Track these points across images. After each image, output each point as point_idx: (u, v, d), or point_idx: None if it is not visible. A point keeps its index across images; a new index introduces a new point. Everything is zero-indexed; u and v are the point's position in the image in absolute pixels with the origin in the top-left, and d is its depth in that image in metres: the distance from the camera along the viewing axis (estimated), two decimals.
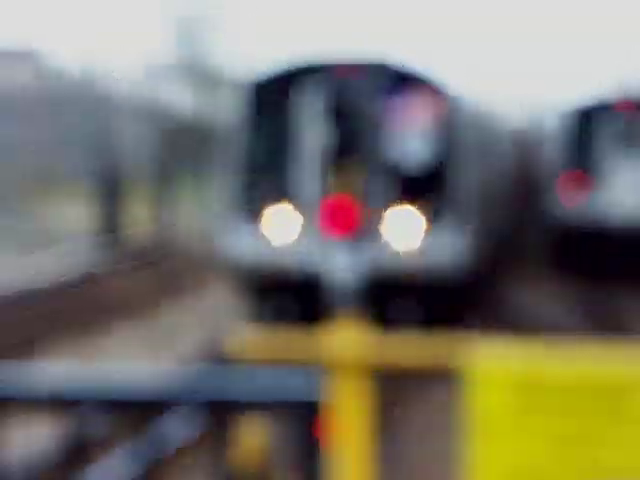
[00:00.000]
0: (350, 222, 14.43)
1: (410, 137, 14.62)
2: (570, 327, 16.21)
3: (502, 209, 21.27)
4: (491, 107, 21.71)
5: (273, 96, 15.00)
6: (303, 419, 2.03)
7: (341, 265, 14.17)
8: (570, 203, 21.71)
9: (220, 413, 2.07)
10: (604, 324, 16.49)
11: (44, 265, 19.67)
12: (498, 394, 2.07)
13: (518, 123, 31.77)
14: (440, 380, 9.90)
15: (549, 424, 2.09)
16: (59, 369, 5.85)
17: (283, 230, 14.67)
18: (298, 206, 14.72)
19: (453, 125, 15.01)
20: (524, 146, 29.36)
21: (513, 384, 2.10)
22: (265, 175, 15.04)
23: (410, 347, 2.83)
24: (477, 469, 2.11)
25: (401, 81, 14.76)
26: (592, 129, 21.95)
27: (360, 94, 14.73)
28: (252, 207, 14.81)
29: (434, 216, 14.47)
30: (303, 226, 14.66)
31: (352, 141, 14.68)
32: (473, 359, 2.22)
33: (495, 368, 2.15)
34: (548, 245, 23.23)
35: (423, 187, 14.66)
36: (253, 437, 2.54)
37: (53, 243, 23.65)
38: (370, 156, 14.64)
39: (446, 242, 14.35)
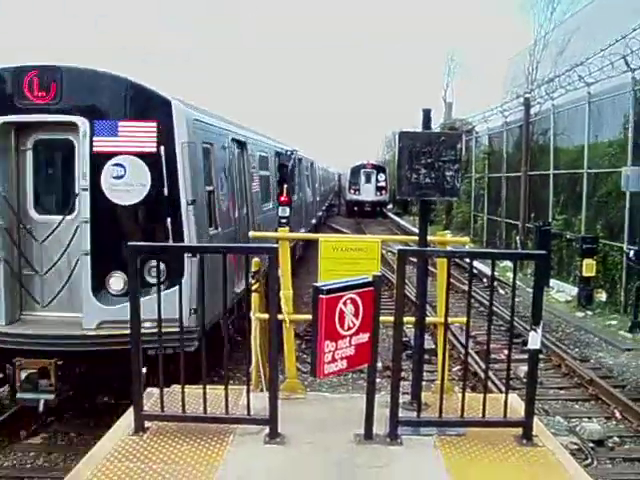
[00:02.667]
0: None
1: None
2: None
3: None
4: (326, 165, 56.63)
5: None
6: (272, 257, 6.99)
7: None
8: (347, 196, 63.76)
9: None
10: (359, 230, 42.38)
11: None
12: None
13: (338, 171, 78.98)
14: None
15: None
16: None
17: None
18: None
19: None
20: (339, 179, 76.96)
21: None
22: None
23: None
24: None
25: None
26: (357, 174, 62.25)
27: None
28: None
29: None
30: None
31: None
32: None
33: None
34: (346, 207, 65.28)
35: None
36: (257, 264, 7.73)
37: None
38: None
39: None
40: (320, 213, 42.43)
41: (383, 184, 61.34)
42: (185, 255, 9.46)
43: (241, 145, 14.65)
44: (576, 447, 9.80)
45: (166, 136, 9.78)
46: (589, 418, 11.34)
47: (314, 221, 34.20)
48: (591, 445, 10.09)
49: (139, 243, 7.10)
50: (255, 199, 15.73)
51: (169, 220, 9.68)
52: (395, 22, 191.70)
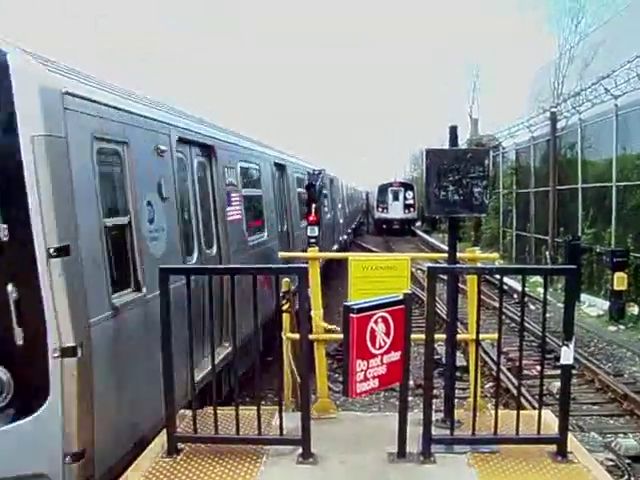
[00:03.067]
0: None
1: None
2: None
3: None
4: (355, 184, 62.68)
5: None
6: (301, 277, 7.00)
7: None
8: (376, 214, 64.81)
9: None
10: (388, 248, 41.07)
11: None
12: None
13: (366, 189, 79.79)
14: None
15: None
16: None
17: None
18: None
19: None
20: (367, 197, 78.11)
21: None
22: None
23: None
24: None
25: None
26: (384, 193, 62.34)
27: None
28: None
29: None
30: None
31: None
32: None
33: None
34: (374, 225, 65.94)
35: None
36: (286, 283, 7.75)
37: None
38: None
39: None
40: (349, 231, 42.44)
41: (411, 202, 61.17)
42: (50, 357, 5.41)
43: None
44: (612, 463, 9.66)
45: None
46: (624, 434, 11.19)
47: (343, 238, 34.22)
48: (627, 461, 9.96)
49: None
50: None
51: (10, 289, 5.43)
52: (419, 38, 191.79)
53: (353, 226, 50.65)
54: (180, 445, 6.15)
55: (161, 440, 6.27)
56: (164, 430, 6.20)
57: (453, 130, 6.72)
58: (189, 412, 6.49)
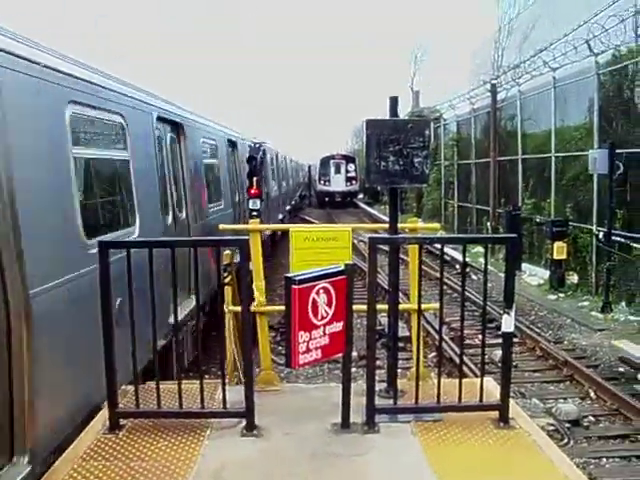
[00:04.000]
0: None
1: None
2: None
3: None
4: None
5: None
6: (242, 249, 6.93)
7: None
8: (318, 187, 64.14)
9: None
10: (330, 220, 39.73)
11: None
12: None
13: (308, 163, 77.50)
14: None
15: None
16: None
17: None
18: None
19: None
20: (309, 170, 74.71)
21: None
22: None
23: None
24: None
25: None
26: (326, 165, 61.62)
27: None
28: None
29: None
30: None
31: None
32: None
33: None
34: (317, 198, 64.86)
35: None
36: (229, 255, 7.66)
37: None
38: None
39: None
40: (292, 204, 42.41)
41: (353, 174, 61.27)
42: None
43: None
44: (553, 428, 9.87)
45: None
46: (564, 399, 11.44)
47: (283, 214, 34.15)
48: (567, 425, 10.18)
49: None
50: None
51: None
52: (360, 17, 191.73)
53: (295, 199, 50.57)
54: (122, 421, 6.07)
55: (103, 417, 6.17)
56: (105, 406, 6.11)
57: (393, 100, 6.68)
58: (131, 387, 6.39)
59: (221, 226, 8.56)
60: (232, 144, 17.64)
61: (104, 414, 6.14)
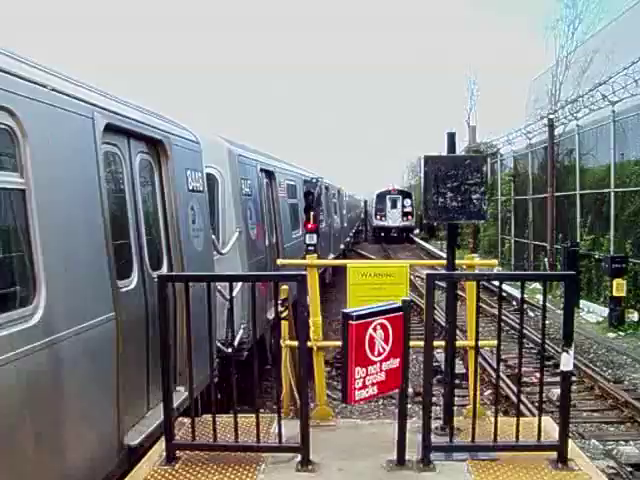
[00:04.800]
0: None
1: None
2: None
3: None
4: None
5: None
6: (300, 284, 6.97)
7: None
8: (374, 222, 63.16)
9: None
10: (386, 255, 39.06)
11: None
12: None
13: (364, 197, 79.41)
14: None
15: None
16: None
17: None
18: None
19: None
20: (365, 205, 75.75)
21: None
22: None
23: None
24: None
25: None
26: (382, 200, 61.84)
27: None
28: None
29: None
30: None
31: None
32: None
33: None
34: (373, 233, 64.04)
35: None
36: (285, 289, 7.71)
37: None
38: None
39: None
40: (347, 240, 42.53)
41: (409, 209, 61.17)
42: None
43: (269, 174, 14.67)
44: (613, 471, 9.63)
45: None
46: (625, 441, 11.14)
47: (342, 247, 34.26)
48: (629, 469, 9.92)
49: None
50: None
51: None
52: (416, 53, 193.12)
53: (351, 234, 50.70)
54: (178, 453, 6.13)
55: (159, 448, 6.24)
56: (162, 438, 6.18)
57: (451, 137, 6.72)
58: (187, 420, 6.46)
59: (279, 261, 8.65)
60: (268, 174, 16.18)
61: (160, 446, 6.20)
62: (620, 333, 19.26)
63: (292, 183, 18.09)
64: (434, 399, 7.33)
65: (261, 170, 13.66)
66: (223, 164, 11.26)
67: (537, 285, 20.46)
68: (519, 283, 6.83)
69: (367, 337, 5.47)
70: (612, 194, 21.93)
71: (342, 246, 35.24)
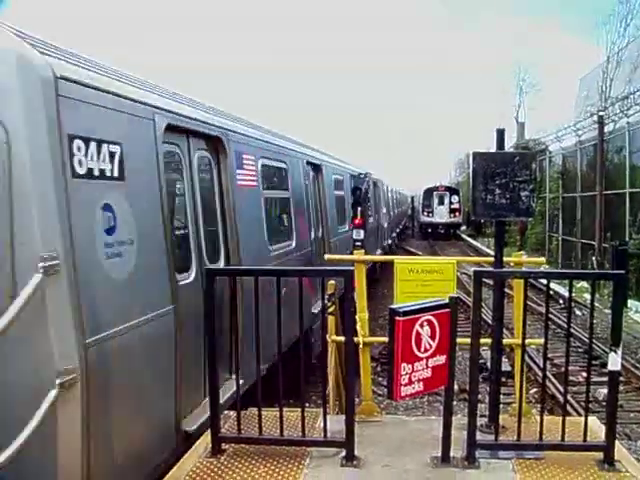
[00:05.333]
0: None
1: None
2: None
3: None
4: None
5: None
6: (347, 279, 6.98)
7: None
8: (421, 218, 63.73)
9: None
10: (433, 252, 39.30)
11: None
12: None
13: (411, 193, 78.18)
14: None
15: None
16: None
17: None
18: None
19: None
20: (412, 201, 74.48)
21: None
22: None
23: None
24: None
25: None
26: (429, 197, 62.00)
27: None
28: None
29: None
30: None
31: None
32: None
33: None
34: (420, 229, 64.65)
35: None
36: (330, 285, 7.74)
37: None
38: None
39: None
40: (394, 235, 42.43)
41: (456, 206, 60.92)
42: None
43: (316, 168, 14.71)
44: None
45: None
46: None
47: (389, 242, 34.21)
48: None
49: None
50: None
51: None
52: (464, 47, 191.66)
53: (398, 230, 50.57)
54: (224, 445, 6.20)
55: (205, 440, 6.32)
56: (208, 430, 6.26)
57: (500, 133, 6.68)
58: (233, 413, 6.53)
59: (326, 256, 8.67)
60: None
61: (207, 438, 6.28)
62: None
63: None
64: (479, 397, 7.32)
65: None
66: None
67: (584, 284, 20.23)
68: (566, 281, 6.79)
69: (414, 333, 5.47)
70: None
71: (389, 242, 35.20)
